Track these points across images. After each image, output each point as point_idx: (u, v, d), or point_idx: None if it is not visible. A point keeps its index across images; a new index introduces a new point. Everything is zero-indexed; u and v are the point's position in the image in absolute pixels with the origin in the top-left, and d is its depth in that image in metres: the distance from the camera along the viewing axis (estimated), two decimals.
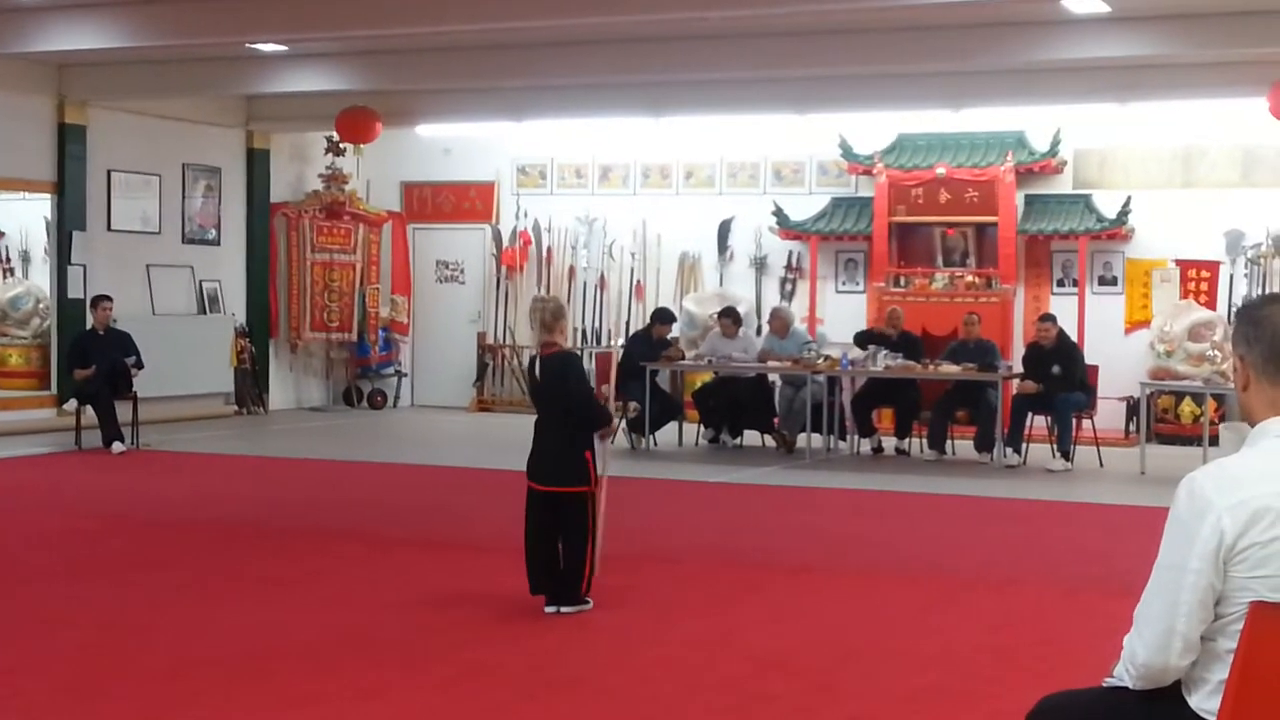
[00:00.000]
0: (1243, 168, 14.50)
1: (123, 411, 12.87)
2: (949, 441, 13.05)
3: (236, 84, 15.05)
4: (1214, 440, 12.44)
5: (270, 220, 16.95)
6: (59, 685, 5.31)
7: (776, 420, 13.60)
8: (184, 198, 16.14)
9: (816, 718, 5.10)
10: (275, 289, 17.04)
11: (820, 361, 13.04)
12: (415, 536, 8.80)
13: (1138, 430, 13.14)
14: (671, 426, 13.98)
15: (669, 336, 14.04)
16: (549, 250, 17.18)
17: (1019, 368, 13.09)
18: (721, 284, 16.33)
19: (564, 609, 6.54)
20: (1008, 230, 14.58)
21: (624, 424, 13.42)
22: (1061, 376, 12.31)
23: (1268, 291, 13.38)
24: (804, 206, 15.78)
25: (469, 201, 17.71)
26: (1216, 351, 13.61)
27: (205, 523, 9.22)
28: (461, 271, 17.93)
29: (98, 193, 15.15)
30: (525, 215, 17.28)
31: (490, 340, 17.42)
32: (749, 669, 5.64)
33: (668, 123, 15.69)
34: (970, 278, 14.75)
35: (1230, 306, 14.16)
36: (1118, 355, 14.36)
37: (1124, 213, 14.34)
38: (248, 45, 13.14)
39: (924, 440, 13.18)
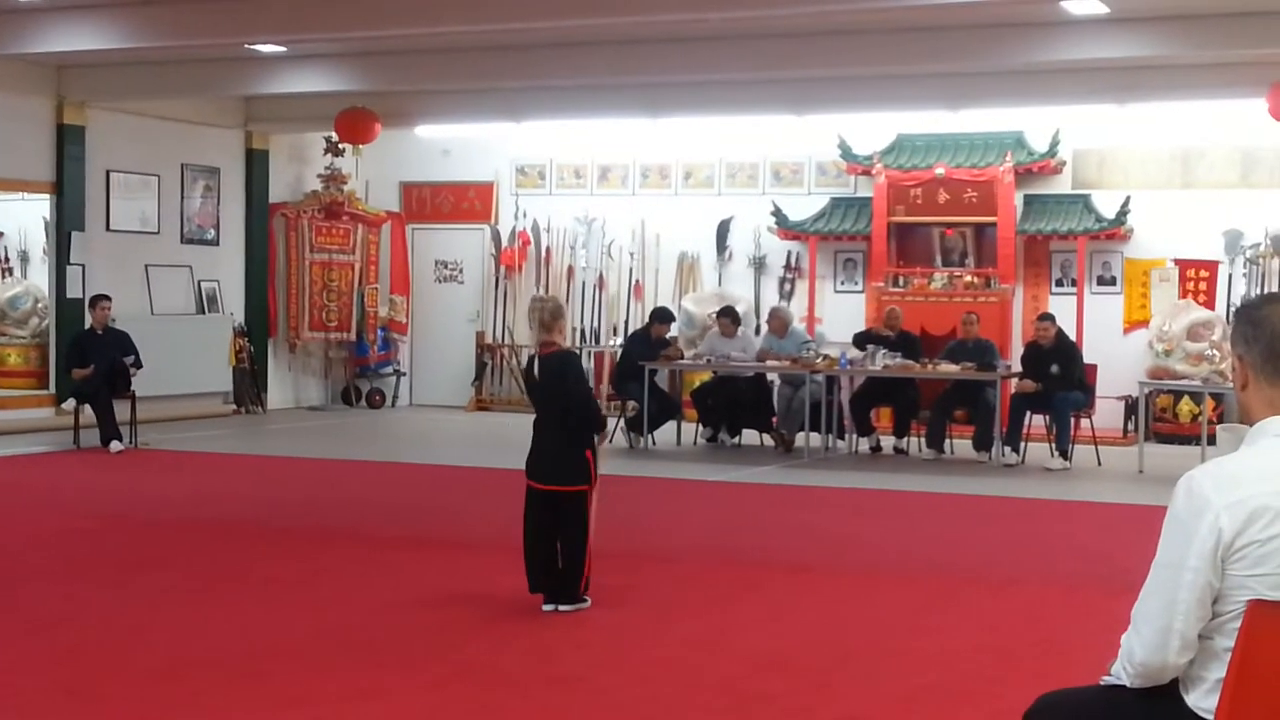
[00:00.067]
0: (1241, 168, 14.51)
1: (121, 411, 12.86)
2: (947, 441, 13.06)
3: (235, 85, 15.05)
4: (1212, 440, 12.44)
5: (269, 220, 16.95)
6: (57, 685, 5.30)
7: (775, 419, 13.59)
8: (183, 198, 16.14)
9: (815, 717, 5.09)
10: (274, 289, 17.04)
11: (819, 361, 13.05)
12: (413, 535, 8.80)
13: (1136, 429, 13.14)
14: (670, 426, 13.98)
15: (668, 336, 14.04)
16: (548, 250, 17.18)
17: (1017, 367, 13.08)
18: (720, 284, 16.33)
19: (562, 608, 6.54)
20: (1007, 230, 14.58)
21: (623, 423, 13.43)
22: (1060, 376, 12.31)
23: (1266, 291, 13.38)
24: (803, 207, 15.78)
25: (468, 202, 17.71)
26: (1215, 351, 13.64)
27: (203, 522, 9.22)
28: (460, 271, 17.93)
29: (96, 193, 15.15)
30: (524, 215, 17.28)
31: (489, 340, 17.43)
32: (747, 668, 5.64)
33: (666, 123, 15.70)
34: (969, 278, 14.75)
35: (1229, 306, 14.16)
36: (1116, 355, 14.37)
37: (1123, 213, 14.34)
38: (247, 46, 13.15)
39: (922, 439, 13.17)
